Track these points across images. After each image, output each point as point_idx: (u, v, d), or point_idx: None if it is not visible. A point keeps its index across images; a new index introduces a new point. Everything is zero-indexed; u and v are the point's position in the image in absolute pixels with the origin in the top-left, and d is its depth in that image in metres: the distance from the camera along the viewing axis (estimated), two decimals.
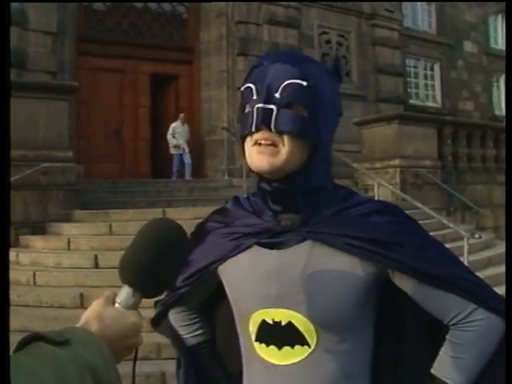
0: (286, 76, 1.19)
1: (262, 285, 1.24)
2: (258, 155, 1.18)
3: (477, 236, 7.37)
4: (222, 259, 1.31)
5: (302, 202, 1.23)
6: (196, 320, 1.47)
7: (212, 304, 1.47)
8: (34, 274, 6.03)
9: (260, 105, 1.18)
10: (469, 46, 17.14)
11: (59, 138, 7.71)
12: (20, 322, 5.12)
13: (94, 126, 10.73)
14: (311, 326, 1.21)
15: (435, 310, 1.22)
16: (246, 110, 1.21)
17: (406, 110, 13.32)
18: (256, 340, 1.27)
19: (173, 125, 11.38)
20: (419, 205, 7.14)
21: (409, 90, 15.61)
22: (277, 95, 1.18)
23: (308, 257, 1.22)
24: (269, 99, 1.17)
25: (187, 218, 6.18)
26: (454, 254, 1.29)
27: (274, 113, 1.17)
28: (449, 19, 16.62)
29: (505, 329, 1.20)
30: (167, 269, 0.97)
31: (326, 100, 1.22)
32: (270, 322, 1.24)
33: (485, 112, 17.06)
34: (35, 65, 9.74)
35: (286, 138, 1.17)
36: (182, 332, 1.47)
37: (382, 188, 8.20)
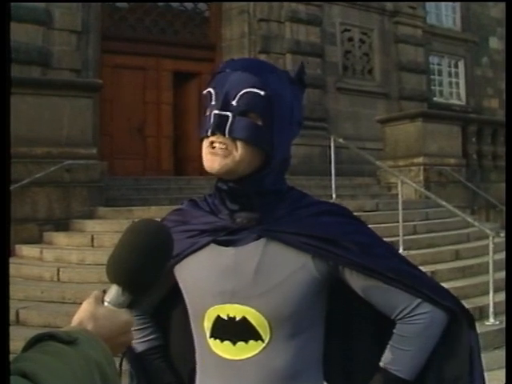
0: (245, 84, 1.24)
1: (217, 281, 1.28)
2: (210, 156, 1.24)
3: (502, 235, 7.25)
4: (179, 256, 1.33)
5: (256, 202, 1.28)
6: (148, 325, 1.49)
7: (165, 308, 1.49)
8: (58, 271, 6.10)
9: (216, 111, 1.23)
10: (494, 43, 16.90)
11: (83, 136, 7.77)
12: (44, 318, 5.18)
13: (117, 123, 10.79)
14: (264, 321, 1.26)
15: (382, 306, 1.29)
16: (206, 114, 1.28)
17: (430, 108, 13.18)
18: (211, 336, 1.31)
19: None
20: (443, 203, 7.07)
21: (432, 87, 15.43)
22: (233, 103, 1.23)
23: (262, 254, 1.27)
24: (225, 106, 1.23)
25: None
26: (398, 253, 1.37)
27: (230, 120, 1.22)
28: (474, 15, 16.41)
29: (447, 321, 1.29)
30: (154, 268, 0.99)
31: (283, 110, 1.27)
32: (225, 317, 1.28)
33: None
34: (60, 63, 9.82)
35: (239, 144, 1.22)
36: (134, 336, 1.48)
37: (406, 186, 8.13)
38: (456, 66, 16.19)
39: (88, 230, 7.13)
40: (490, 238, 5.88)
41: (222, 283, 1.28)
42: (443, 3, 16.08)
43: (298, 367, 1.28)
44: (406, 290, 1.26)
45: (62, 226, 7.37)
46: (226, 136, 1.22)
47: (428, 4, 15.32)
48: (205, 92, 1.31)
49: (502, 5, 16.55)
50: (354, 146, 9.41)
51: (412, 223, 7.73)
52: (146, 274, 0.98)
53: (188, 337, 1.41)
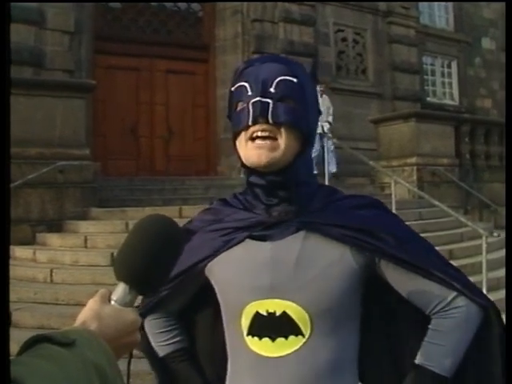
0: (278, 73, 1.26)
1: (255, 276, 1.27)
2: (256, 150, 1.23)
3: (495, 234, 7.28)
4: (212, 256, 1.33)
5: (295, 194, 1.28)
6: (174, 327, 1.48)
7: (191, 310, 1.48)
8: (51, 272, 6.06)
9: (257, 99, 1.23)
10: (487, 43, 16.96)
11: (76, 136, 7.75)
12: (37, 319, 5.15)
13: (111, 123, 10.76)
14: (305, 315, 1.24)
15: (417, 299, 1.28)
16: (240, 107, 1.27)
17: (423, 108, 13.21)
18: (248, 334, 1.29)
19: None
20: (436, 203, 7.08)
21: (426, 87, 15.47)
22: (271, 90, 1.25)
23: (301, 246, 1.26)
24: (265, 93, 1.24)
25: None
26: (435, 248, 1.35)
27: (271, 105, 1.23)
28: (467, 16, 16.46)
29: (482, 317, 1.27)
30: (163, 265, 0.97)
31: (311, 97, 1.31)
32: (264, 313, 1.26)
33: (503, 110, 16.89)
34: (53, 63, 9.79)
35: (283, 130, 1.23)
36: (158, 339, 1.47)
37: (399, 186, 8.14)
38: (449, 67, 16.24)
39: (81, 231, 7.11)
40: (484, 238, 5.90)
41: (260, 278, 1.26)
42: (436, 3, 16.13)
43: (337, 363, 1.27)
44: (441, 283, 1.25)
45: (55, 226, 7.34)
46: (270, 122, 1.22)
47: (421, 4, 15.36)
48: (234, 87, 1.30)
49: (494, 5, 16.63)
50: (348, 146, 9.42)
51: (405, 223, 7.73)
52: (154, 271, 0.95)
53: (216, 338, 1.40)
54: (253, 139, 1.24)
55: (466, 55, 16.37)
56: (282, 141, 1.23)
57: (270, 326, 1.26)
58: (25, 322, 5.14)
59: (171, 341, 1.47)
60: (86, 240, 6.71)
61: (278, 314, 1.25)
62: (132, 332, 0.93)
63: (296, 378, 1.25)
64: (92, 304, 0.91)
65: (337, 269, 1.24)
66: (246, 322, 1.29)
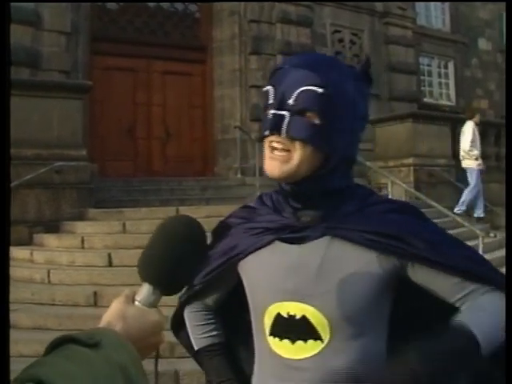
0: (302, 82, 1.20)
1: (280, 278, 1.27)
2: (270, 161, 1.22)
3: (492, 235, 7.30)
4: (243, 253, 1.33)
5: (319, 201, 1.26)
6: (211, 321, 1.49)
7: (228, 305, 1.48)
8: (48, 273, 6.06)
9: (273, 110, 1.21)
10: (483, 44, 17.00)
11: (73, 137, 7.75)
12: (34, 320, 5.15)
13: (108, 124, 10.75)
14: (325, 321, 1.22)
15: (453, 297, 1.22)
16: (265, 113, 1.24)
17: (420, 109, 13.21)
18: (270, 334, 1.29)
19: (470, 125, 9.56)
20: (433, 203, 7.10)
21: (422, 88, 15.51)
22: (290, 102, 1.20)
23: (325, 252, 1.24)
24: (282, 105, 1.20)
25: (200, 216, 6.13)
26: (470, 247, 1.31)
27: (286, 119, 1.19)
28: (463, 17, 16.50)
29: None
30: (187, 265, 0.97)
31: (344, 107, 1.22)
32: (285, 315, 1.26)
33: (499, 110, 16.92)
34: (49, 64, 9.77)
35: (297, 144, 1.19)
36: (196, 331, 1.49)
37: (396, 186, 8.15)
38: (446, 67, 16.28)
39: (78, 232, 7.10)
40: (480, 239, 5.93)
41: (284, 280, 1.26)
42: (432, 4, 16.16)
43: (359, 370, 1.23)
44: (478, 282, 1.19)
45: (52, 227, 7.34)
46: (283, 136, 1.20)
47: (418, 5, 15.39)
48: (264, 89, 1.27)
49: (490, 6, 16.67)
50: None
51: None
52: (178, 272, 0.96)
53: (249, 335, 1.39)
54: (270, 148, 1.22)
55: (463, 56, 16.41)
56: (295, 154, 1.20)
57: (290, 329, 1.25)
58: (22, 323, 5.13)
59: (207, 335, 1.48)
60: (82, 241, 6.71)
61: (297, 317, 1.24)
62: (156, 332, 0.93)
63: (315, 382, 1.24)
64: (117, 305, 0.92)
65: (361, 276, 1.21)
66: (268, 322, 1.29)
